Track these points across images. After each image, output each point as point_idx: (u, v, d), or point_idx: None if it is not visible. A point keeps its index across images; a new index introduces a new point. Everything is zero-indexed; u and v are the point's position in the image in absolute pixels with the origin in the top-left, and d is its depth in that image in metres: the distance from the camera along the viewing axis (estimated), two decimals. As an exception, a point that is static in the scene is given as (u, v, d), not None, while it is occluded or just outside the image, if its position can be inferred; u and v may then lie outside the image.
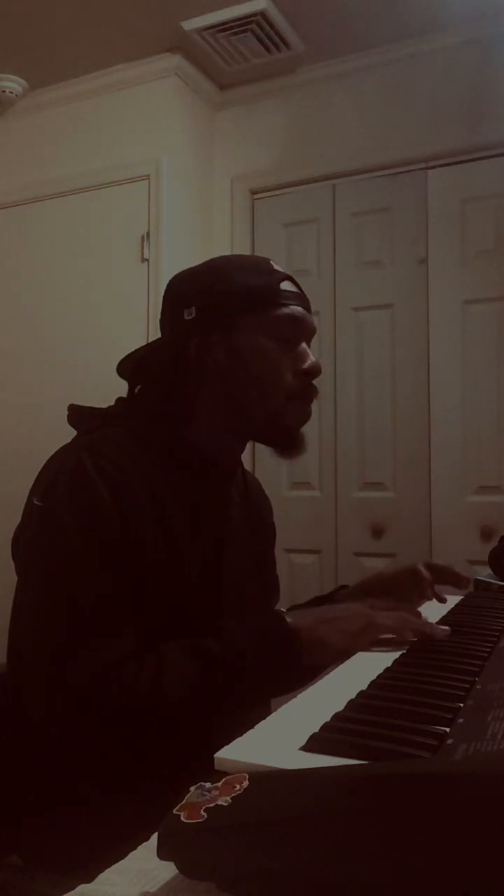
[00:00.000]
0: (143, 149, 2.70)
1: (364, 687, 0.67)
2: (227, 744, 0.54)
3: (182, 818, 0.41)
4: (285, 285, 0.99)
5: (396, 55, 2.60)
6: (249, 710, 0.77)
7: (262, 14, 2.41)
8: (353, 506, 2.65)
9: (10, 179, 2.96)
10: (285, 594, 1.24)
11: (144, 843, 0.51)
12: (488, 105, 2.46)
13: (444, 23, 2.45)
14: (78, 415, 1.03)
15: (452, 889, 0.35)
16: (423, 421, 2.55)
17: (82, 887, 0.46)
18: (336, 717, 0.59)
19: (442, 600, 1.08)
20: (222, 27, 2.48)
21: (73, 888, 0.46)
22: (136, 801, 0.74)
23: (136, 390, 1.03)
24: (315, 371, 0.99)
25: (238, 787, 0.43)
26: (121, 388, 1.05)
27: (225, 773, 0.45)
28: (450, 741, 0.51)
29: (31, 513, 0.90)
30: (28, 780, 0.90)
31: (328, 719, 0.59)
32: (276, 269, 1.01)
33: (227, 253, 2.55)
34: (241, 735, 0.57)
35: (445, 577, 1.07)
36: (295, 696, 0.67)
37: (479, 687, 0.64)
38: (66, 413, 1.04)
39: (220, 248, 2.83)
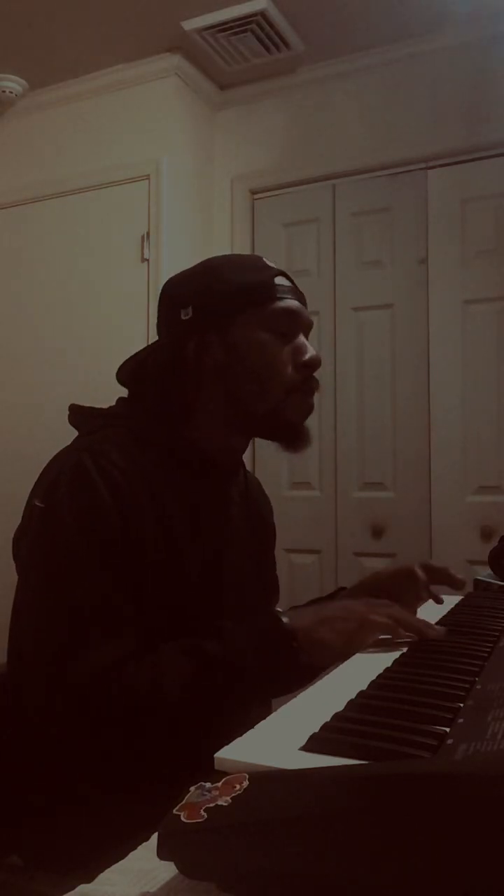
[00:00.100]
0: (143, 149, 2.70)
1: (364, 687, 0.67)
2: (227, 744, 0.54)
3: (182, 818, 0.41)
4: (279, 280, 1.00)
5: (396, 55, 2.60)
6: (249, 710, 0.77)
7: (262, 14, 2.41)
8: (353, 506, 2.65)
9: (10, 179, 2.96)
10: (285, 594, 1.24)
11: (144, 843, 0.51)
12: (488, 105, 2.46)
13: (444, 23, 2.45)
14: (79, 415, 1.03)
15: (452, 889, 0.35)
16: (423, 421, 2.55)
17: (82, 887, 0.46)
18: (336, 717, 0.59)
19: (439, 601, 1.08)
20: (222, 27, 2.48)
21: (73, 888, 0.46)
22: (136, 801, 0.74)
23: (136, 391, 1.03)
24: (315, 363, 1.00)
25: (238, 787, 0.43)
26: (121, 387, 1.05)
27: (225, 773, 0.45)
28: (450, 741, 0.51)
29: (33, 514, 0.90)
30: (28, 780, 0.90)
31: (328, 719, 0.58)
32: (269, 265, 1.02)
33: (228, 253, 2.55)
34: (241, 735, 0.57)
35: (441, 578, 1.07)
36: (295, 696, 0.67)
37: (479, 687, 0.64)
38: (67, 413, 1.04)
39: (220, 248, 2.83)
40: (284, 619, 0.85)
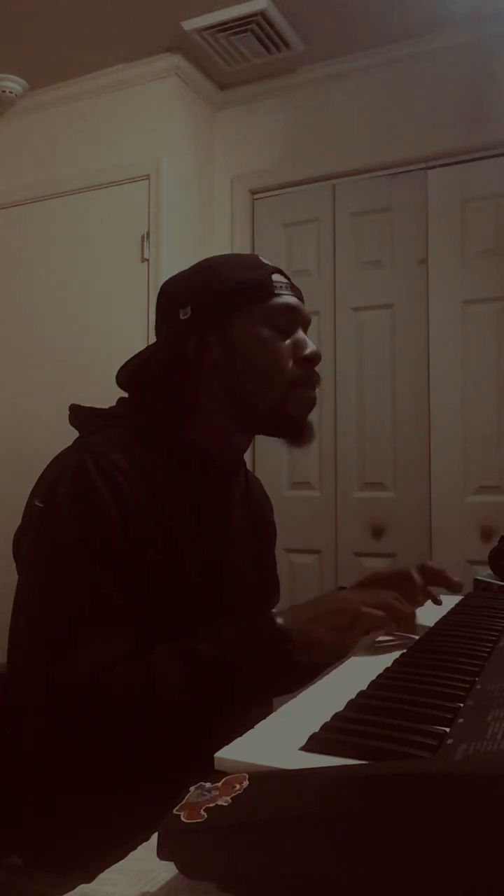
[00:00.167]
0: (143, 149, 2.70)
1: (364, 687, 0.67)
2: (227, 744, 0.54)
3: (182, 818, 0.41)
4: (276, 277, 1.01)
5: (396, 55, 2.60)
6: (249, 710, 0.77)
7: (262, 14, 2.41)
8: (353, 506, 2.65)
9: (10, 179, 2.96)
10: (285, 594, 1.24)
11: (144, 843, 0.51)
12: (488, 105, 2.46)
13: (444, 23, 2.45)
14: (79, 415, 1.03)
15: (452, 889, 0.35)
16: (423, 421, 2.55)
17: (82, 887, 0.46)
18: (336, 717, 0.59)
19: (437, 603, 1.07)
20: (222, 27, 2.48)
21: (73, 888, 0.46)
22: (136, 801, 0.74)
23: (136, 392, 1.03)
24: (316, 358, 1.00)
25: (238, 787, 0.43)
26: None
27: (225, 773, 0.45)
28: (450, 741, 0.51)
29: (33, 514, 0.90)
30: (28, 779, 0.90)
31: (328, 719, 0.59)
32: (265, 263, 1.03)
33: (228, 253, 2.55)
34: (241, 735, 0.57)
35: (439, 580, 1.07)
36: (295, 696, 0.67)
37: (479, 687, 0.64)
38: (67, 413, 1.04)
39: (220, 248, 2.83)
40: (279, 620, 0.85)
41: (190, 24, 2.48)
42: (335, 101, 2.71)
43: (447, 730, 0.53)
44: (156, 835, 0.42)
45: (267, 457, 2.72)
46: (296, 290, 1.03)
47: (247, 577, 1.06)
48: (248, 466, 1.17)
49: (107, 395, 1.07)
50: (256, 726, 0.59)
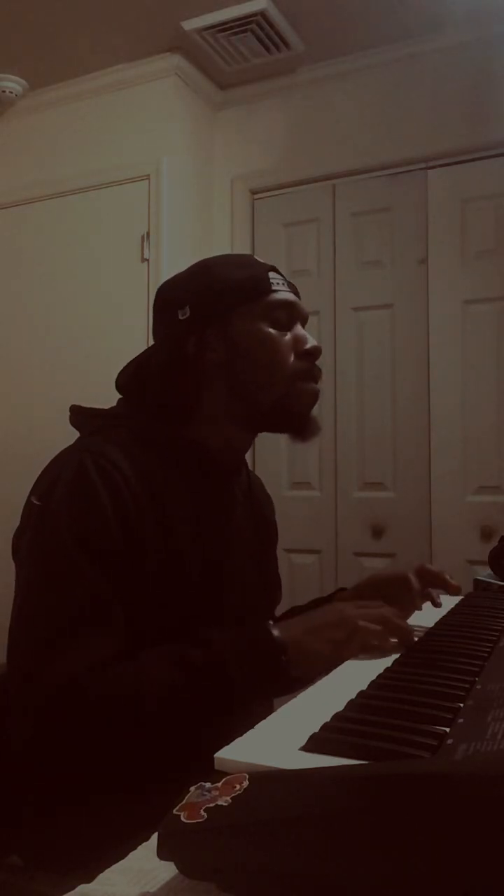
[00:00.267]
0: (143, 149, 2.70)
1: (364, 687, 0.67)
2: (227, 744, 0.54)
3: (182, 818, 0.41)
4: (272, 274, 1.02)
5: (396, 55, 2.60)
6: (251, 710, 0.77)
7: (262, 14, 2.41)
8: (353, 506, 2.65)
9: (10, 179, 2.96)
10: (285, 594, 1.24)
11: (144, 843, 0.51)
12: (488, 105, 2.46)
13: (444, 23, 2.45)
14: (80, 416, 1.03)
15: (452, 889, 0.35)
16: (423, 421, 2.55)
17: (82, 887, 0.46)
18: (336, 717, 0.59)
19: (437, 605, 1.07)
20: (222, 27, 2.48)
21: (73, 888, 0.46)
22: (136, 801, 0.74)
23: (137, 393, 1.03)
24: (317, 352, 1.01)
25: (238, 787, 0.43)
26: (121, 387, 1.05)
27: (225, 773, 0.45)
28: (450, 741, 0.51)
29: (32, 512, 0.90)
30: (28, 779, 0.90)
31: (328, 719, 0.58)
32: (260, 262, 1.04)
33: (228, 253, 2.55)
34: (241, 735, 0.57)
35: (437, 583, 1.07)
36: (295, 697, 0.67)
37: (479, 687, 0.64)
38: (68, 414, 1.04)
39: (220, 248, 2.83)
40: (275, 632, 0.84)
41: (190, 24, 2.48)
42: (335, 101, 2.71)
43: (447, 730, 0.53)
44: (156, 835, 0.42)
45: (267, 457, 2.72)
46: (292, 287, 1.04)
47: (247, 578, 1.06)
48: (249, 466, 1.17)
49: (107, 395, 1.07)
50: (256, 726, 0.59)
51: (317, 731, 0.56)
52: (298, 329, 1.02)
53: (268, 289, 0.99)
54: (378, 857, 0.37)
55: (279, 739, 0.56)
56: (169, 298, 1.02)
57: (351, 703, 0.63)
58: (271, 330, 0.99)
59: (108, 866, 0.49)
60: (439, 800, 0.37)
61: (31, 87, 2.86)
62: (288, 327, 1.01)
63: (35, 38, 2.58)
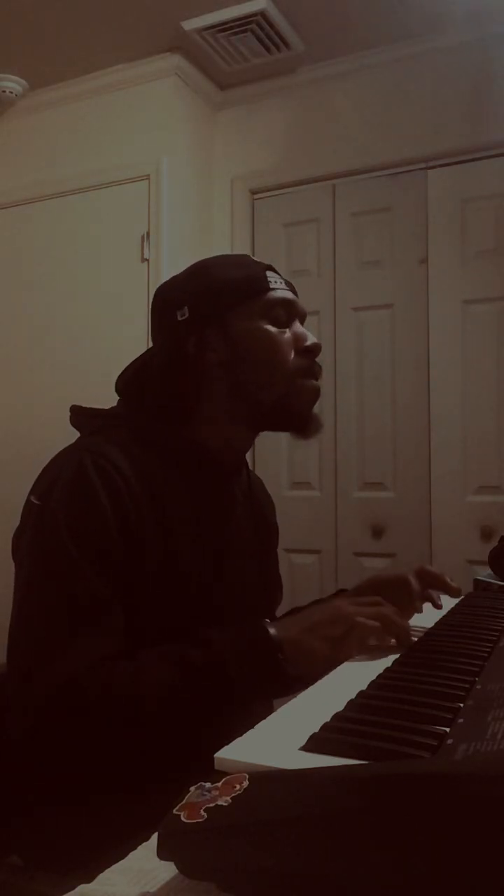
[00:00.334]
0: (143, 149, 2.70)
1: (364, 687, 0.67)
2: (227, 744, 0.54)
3: (182, 818, 0.41)
4: (269, 273, 1.02)
5: (396, 55, 2.60)
6: (251, 710, 0.77)
7: (262, 14, 2.41)
8: (353, 506, 2.65)
9: (10, 179, 2.96)
10: (285, 594, 1.24)
11: (144, 843, 0.51)
12: (488, 105, 2.46)
13: (444, 23, 2.45)
14: (80, 416, 1.03)
15: (452, 889, 0.35)
16: (423, 421, 2.55)
17: (82, 887, 0.46)
18: (336, 717, 0.59)
19: (437, 606, 1.07)
20: (222, 27, 2.48)
21: (73, 888, 0.46)
22: (136, 801, 0.74)
23: (137, 394, 1.03)
24: (317, 348, 1.02)
25: (238, 787, 0.43)
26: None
27: (225, 773, 0.45)
28: (450, 741, 0.51)
29: (31, 512, 0.90)
30: (28, 779, 0.90)
31: (328, 719, 0.58)
32: (257, 261, 1.05)
33: (227, 253, 2.55)
34: (241, 735, 0.57)
35: (437, 585, 1.07)
36: (295, 697, 0.67)
37: (479, 687, 0.64)
38: (68, 414, 1.04)
39: (220, 248, 2.83)
40: (272, 631, 0.84)
41: (190, 24, 2.48)
42: (335, 101, 2.71)
43: (447, 730, 0.53)
44: (156, 835, 0.42)
45: (267, 456, 2.72)
46: (289, 285, 1.04)
47: (247, 578, 1.06)
48: (249, 467, 1.17)
49: (107, 395, 1.07)
50: (256, 726, 0.59)
51: (317, 731, 0.56)
52: (297, 326, 1.02)
53: (266, 287, 1.00)
54: (378, 857, 0.37)
55: (279, 739, 0.56)
56: (167, 300, 1.03)
57: (351, 703, 0.62)
58: (271, 328, 0.99)
59: (108, 866, 0.49)
60: (439, 800, 0.37)
61: (31, 87, 2.86)
62: (287, 325, 1.01)
63: (35, 38, 2.58)
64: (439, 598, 1.08)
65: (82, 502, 0.86)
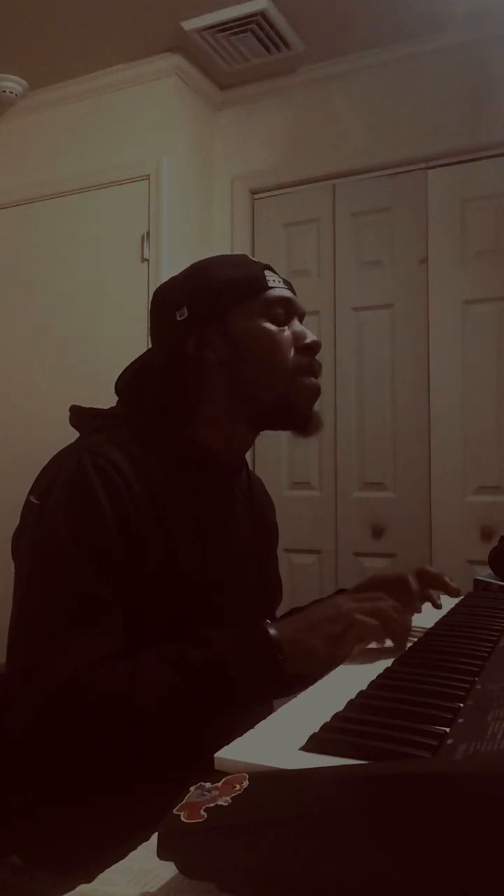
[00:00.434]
0: (143, 149, 2.70)
1: (364, 687, 0.67)
2: (227, 744, 0.54)
3: (182, 818, 0.41)
4: (267, 272, 1.02)
5: (396, 55, 2.60)
6: (251, 710, 0.77)
7: (262, 14, 2.41)
8: (353, 506, 2.65)
9: (10, 179, 2.96)
10: (285, 594, 1.24)
11: (144, 843, 0.51)
12: (488, 105, 2.46)
13: (444, 23, 2.45)
14: (80, 416, 1.03)
15: (452, 889, 0.35)
16: (423, 421, 2.55)
17: (82, 887, 0.46)
18: (336, 717, 0.59)
19: (437, 606, 1.07)
20: (222, 27, 2.48)
21: (73, 888, 0.46)
22: (136, 801, 0.74)
23: (137, 394, 1.03)
24: (316, 346, 1.02)
25: (238, 787, 0.43)
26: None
27: (225, 773, 0.45)
28: (450, 741, 0.51)
29: (30, 511, 0.90)
30: (28, 779, 0.90)
31: (328, 719, 0.58)
32: (255, 261, 1.06)
33: (227, 253, 2.55)
34: (241, 735, 0.57)
35: (437, 585, 1.07)
36: (295, 697, 0.67)
37: (479, 687, 0.64)
38: (67, 414, 1.04)
39: (220, 248, 2.83)
40: (271, 631, 0.84)
41: (190, 24, 2.48)
42: (335, 101, 2.71)
43: (447, 730, 0.53)
44: (156, 835, 0.42)
45: (267, 457, 2.72)
46: (288, 284, 1.05)
47: (247, 578, 1.06)
48: (249, 467, 1.17)
49: (107, 395, 1.07)
50: (256, 726, 0.59)
51: (317, 731, 0.56)
52: (297, 325, 1.03)
53: (264, 286, 1.00)
54: (378, 857, 0.37)
55: (279, 739, 0.56)
56: (166, 300, 1.03)
57: (351, 703, 0.62)
58: (270, 326, 0.99)
59: (108, 866, 0.49)
60: (439, 800, 0.37)
61: (31, 87, 2.86)
62: (286, 323, 1.01)
63: (35, 38, 2.58)
64: (439, 598, 1.08)
65: (82, 502, 0.86)
